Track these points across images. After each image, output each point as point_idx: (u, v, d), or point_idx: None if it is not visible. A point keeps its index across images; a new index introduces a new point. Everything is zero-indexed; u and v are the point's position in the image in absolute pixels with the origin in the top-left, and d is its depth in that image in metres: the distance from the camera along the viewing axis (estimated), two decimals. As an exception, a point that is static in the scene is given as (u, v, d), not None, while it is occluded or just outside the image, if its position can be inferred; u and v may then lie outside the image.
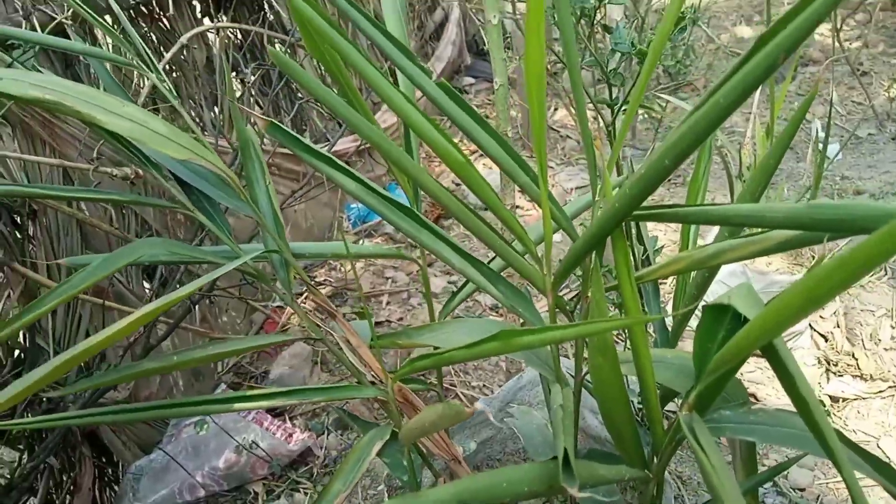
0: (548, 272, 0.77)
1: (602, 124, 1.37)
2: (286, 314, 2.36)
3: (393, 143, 0.79)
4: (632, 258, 1.11)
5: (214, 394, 0.80)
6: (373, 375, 0.91)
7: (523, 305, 0.80)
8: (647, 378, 0.72)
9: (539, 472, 0.58)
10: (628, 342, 0.80)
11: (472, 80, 4.52)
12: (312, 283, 2.37)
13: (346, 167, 0.81)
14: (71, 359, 0.65)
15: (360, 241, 2.80)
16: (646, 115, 3.11)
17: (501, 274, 0.84)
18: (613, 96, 1.24)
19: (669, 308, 1.73)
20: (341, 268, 2.60)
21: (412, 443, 0.81)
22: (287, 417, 1.94)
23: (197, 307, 2.09)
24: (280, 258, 0.86)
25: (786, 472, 1.63)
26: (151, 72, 0.87)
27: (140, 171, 1.58)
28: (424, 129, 0.75)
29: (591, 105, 1.32)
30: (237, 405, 0.78)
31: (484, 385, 1.97)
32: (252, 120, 1.01)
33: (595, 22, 1.26)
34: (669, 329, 0.95)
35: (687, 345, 1.38)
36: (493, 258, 0.99)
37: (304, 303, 2.45)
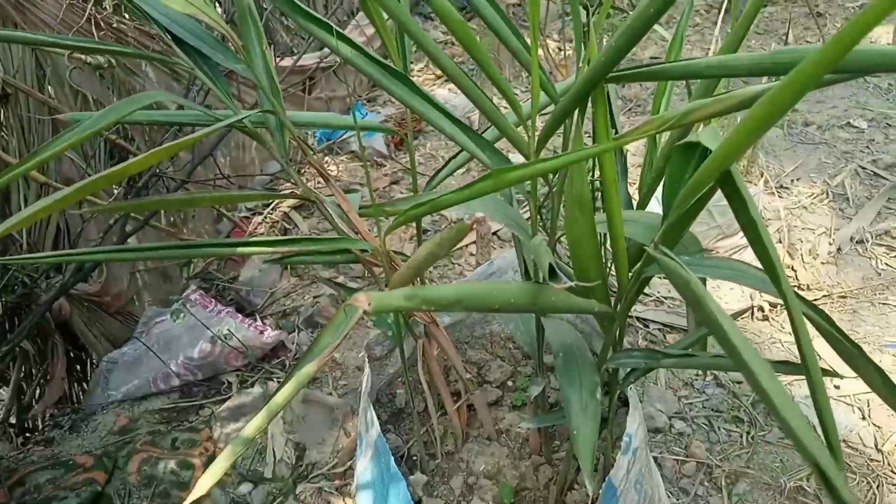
0: (532, 135, 0.84)
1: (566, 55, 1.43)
2: (253, 223, 2.39)
3: None
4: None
5: (229, 241, 0.84)
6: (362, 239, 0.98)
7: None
8: (616, 230, 0.80)
9: (524, 288, 0.66)
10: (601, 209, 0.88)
11: None
12: (279, 193, 2.40)
13: (340, 31, 0.85)
14: (61, 199, 0.66)
15: (324, 157, 2.82)
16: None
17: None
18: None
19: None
20: (309, 181, 2.63)
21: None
22: (258, 317, 2.00)
23: (164, 213, 2.11)
24: (277, 120, 0.90)
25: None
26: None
27: (113, 61, 1.58)
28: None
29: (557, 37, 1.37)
30: (240, 249, 0.84)
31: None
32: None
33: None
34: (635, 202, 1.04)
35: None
36: (486, 129, 1.05)
37: (273, 212, 2.49)
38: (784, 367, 0.80)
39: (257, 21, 0.91)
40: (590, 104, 0.76)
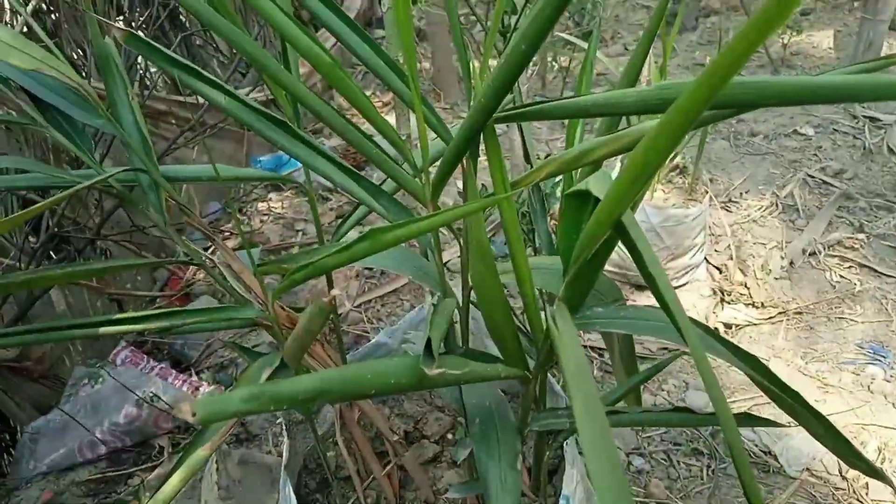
0: (426, 180, 0.76)
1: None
2: (191, 270, 2.28)
3: (269, 56, 0.76)
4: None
5: (91, 319, 0.75)
6: (259, 301, 0.89)
7: (405, 218, 0.79)
8: (524, 281, 0.73)
9: (406, 364, 0.57)
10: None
11: (384, 33, 4.43)
12: (220, 236, 2.30)
13: (217, 80, 0.77)
14: None
15: (269, 194, 2.72)
16: (554, 64, 3.13)
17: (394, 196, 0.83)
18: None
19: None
20: (249, 221, 2.53)
21: (298, 362, 0.80)
22: (193, 372, 1.89)
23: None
24: (149, 179, 0.81)
25: (682, 395, 1.71)
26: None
27: None
28: (296, 37, 0.72)
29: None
30: (104, 329, 0.74)
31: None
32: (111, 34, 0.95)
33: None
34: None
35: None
36: (384, 181, 0.98)
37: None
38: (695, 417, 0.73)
39: (121, 70, 0.83)
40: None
